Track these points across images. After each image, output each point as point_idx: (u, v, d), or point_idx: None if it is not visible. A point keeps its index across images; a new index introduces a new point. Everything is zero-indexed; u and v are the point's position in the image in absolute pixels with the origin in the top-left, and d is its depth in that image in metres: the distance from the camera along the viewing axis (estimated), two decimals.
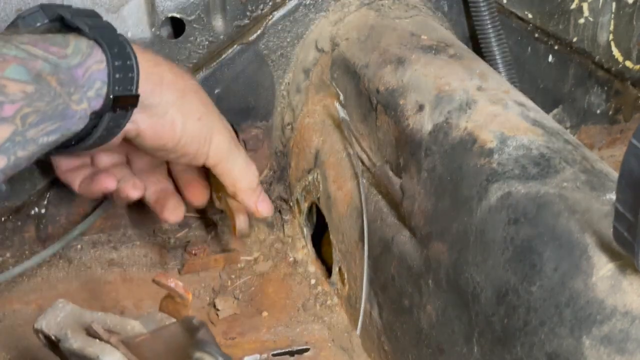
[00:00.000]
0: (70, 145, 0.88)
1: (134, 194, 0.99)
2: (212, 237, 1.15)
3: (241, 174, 1.01)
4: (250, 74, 1.13)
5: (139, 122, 0.90)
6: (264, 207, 1.04)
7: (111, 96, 0.84)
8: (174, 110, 0.92)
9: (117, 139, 0.90)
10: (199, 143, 0.96)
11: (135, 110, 0.88)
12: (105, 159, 1.01)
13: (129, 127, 0.90)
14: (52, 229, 1.13)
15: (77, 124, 0.83)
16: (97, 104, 0.84)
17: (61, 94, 0.80)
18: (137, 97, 0.87)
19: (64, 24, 0.86)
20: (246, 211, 1.04)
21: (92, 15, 0.90)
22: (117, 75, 0.84)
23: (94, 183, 0.97)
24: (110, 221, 1.16)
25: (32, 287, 1.07)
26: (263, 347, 0.99)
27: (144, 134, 0.91)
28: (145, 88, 0.88)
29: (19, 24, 0.87)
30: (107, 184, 0.96)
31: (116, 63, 0.84)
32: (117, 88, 0.84)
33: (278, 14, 1.11)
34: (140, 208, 1.16)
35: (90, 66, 0.82)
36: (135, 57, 0.86)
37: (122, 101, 0.85)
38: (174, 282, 0.79)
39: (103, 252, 1.13)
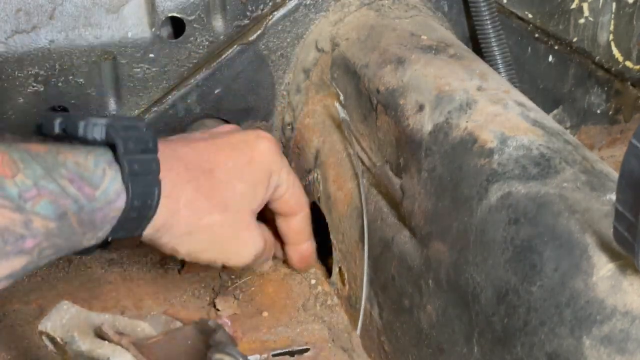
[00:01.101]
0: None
1: None
2: None
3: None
4: (251, 74, 1.13)
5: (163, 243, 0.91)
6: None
7: (109, 239, 0.85)
8: (197, 231, 0.92)
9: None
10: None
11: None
12: None
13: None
14: None
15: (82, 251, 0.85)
16: (103, 236, 0.84)
17: (78, 232, 0.81)
18: (158, 202, 0.86)
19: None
20: None
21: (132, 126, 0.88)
22: (128, 224, 0.85)
23: None
24: None
25: (32, 287, 1.07)
26: (263, 347, 0.99)
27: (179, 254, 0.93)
28: (157, 223, 0.87)
29: (42, 123, 0.87)
30: None
31: (132, 215, 0.84)
32: (121, 232, 0.85)
33: (278, 14, 1.11)
34: None
35: (109, 214, 0.83)
36: (158, 199, 0.85)
37: (143, 211, 0.86)
38: (223, 321, 0.80)
39: (103, 252, 1.13)
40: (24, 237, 0.77)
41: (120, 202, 0.83)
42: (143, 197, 0.85)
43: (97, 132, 0.83)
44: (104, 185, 0.82)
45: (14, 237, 0.76)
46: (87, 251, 0.86)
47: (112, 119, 0.84)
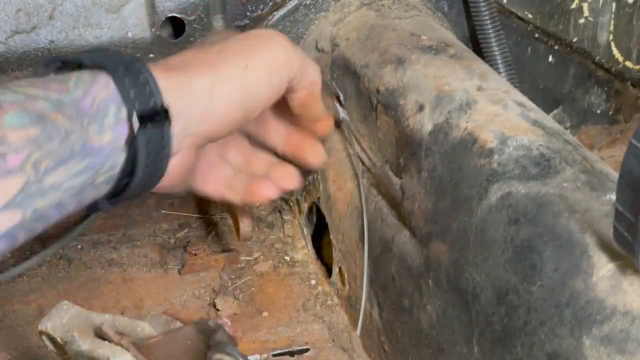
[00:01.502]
0: (122, 190, 0.76)
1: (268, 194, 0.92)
2: (212, 237, 1.15)
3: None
4: None
5: (190, 128, 0.78)
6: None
7: (135, 113, 0.73)
8: (218, 90, 0.80)
9: (183, 160, 0.79)
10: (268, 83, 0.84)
11: (179, 123, 0.77)
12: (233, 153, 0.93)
13: (186, 141, 0.78)
14: (52, 229, 1.13)
15: (111, 158, 0.73)
16: (123, 130, 0.73)
17: (73, 130, 0.71)
18: (165, 110, 0.75)
19: (65, 65, 0.78)
20: (250, 214, 1.03)
21: (96, 51, 0.83)
22: (132, 93, 0.74)
23: (252, 193, 0.91)
24: (110, 221, 1.16)
25: (32, 287, 1.07)
26: (263, 347, 0.99)
27: (204, 133, 0.80)
28: (172, 94, 0.76)
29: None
30: (268, 192, 0.91)
31: (126, 81, 0.74)
32: (137, 103, 0.73)
33: (278, 15, 1.11)
34: (140, 207, 1.16)
35: (97, 93, 0.73)
36: (148, 70, 0.75)
37: (151, 117, 0.74)
38: (223, 321, 0.79)
39: (103, 252, 1.13)
40: (4, 155, 0.67)
41: (103, 78, 0.73)
42: (125, 65, 0.74)
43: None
44: (74, 77, 0.73)
45: None
46: (131, 183, 0.75)
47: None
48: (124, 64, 0.75)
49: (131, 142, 0.73)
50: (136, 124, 0.73)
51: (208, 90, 0.79)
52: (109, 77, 0.73)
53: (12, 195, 0.67)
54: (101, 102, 0.72)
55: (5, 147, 0.66)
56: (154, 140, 0.74)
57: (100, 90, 0.73)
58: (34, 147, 0.68)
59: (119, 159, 0.73)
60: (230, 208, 1.06)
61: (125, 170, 0.74)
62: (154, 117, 0.74)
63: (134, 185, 0.75)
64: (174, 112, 0.75)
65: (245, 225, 1.03)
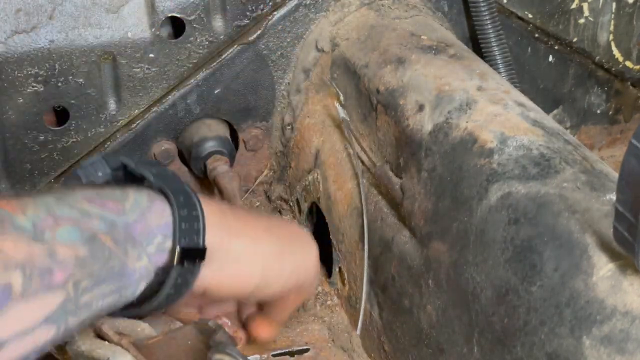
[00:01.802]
0: (134, 305, 0.77)
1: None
2: None
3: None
4: (251, 74, 1.13)
5: (207, 278, 0.79)
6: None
7: (178, 248, 0.74)
8: (247, 258, 0.82)
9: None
10: (283, 281, 0.85)
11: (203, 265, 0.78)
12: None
13: (196, 284, 0.79)
14: None
15: (137, 284, 0.74)
16: (161, 259, 0.75)
17: (117, 252, 0.72)
18: (204, 250, 0.76)
19: (127, 172, 0.79)
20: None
21: (155, 164, 0.83)
22: (183, 226, 0.75)
23: None
24: None
25: None
26: (263, 347, 0.98)
27: (213, 289, 0.80)
28: (212, 240, 0.77)
29: (79, 175, 0.79)
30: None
31: (182, 213, 0.75)
32: (183, 239, 0.75)
33: (278, 14, 1.11)
34: None
35: (151, 220, 0.74)
36: (201, 207, 0.76)
37: (189, 254, 0.75)
38: (223, 322, 0.78)
39: None
40: (51, 270, 0.67)
41: (160, 205, 0.74)
42: (184, 195, 0.76)
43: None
44: (132, 197, 0.74)
45: (39, 271, 0.66)
46: (153, 299, 0.76)
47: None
48: (184, 194, 0.76)
49: (164, 272, 0.74)
50: (177, 258, 0.74)
51: (240, 256, 0.80)
52: (167, 206, 0.75)
53: (52, 310, 0.67)
54: (151, 230, 0.74)
55: (53, 262, 0.67)
56: (182, 277, 0.75)
57: (154, 218, 0.74)
58: (79, 266, 0.69)
59: (142, 285, 0.74)
60: (230, 204, 1.05)
61: (143, 295, 0.75)
62: (193, 255, 0.75)
63: (143, 308, 0.77)
64: (208, 256, 0.77)
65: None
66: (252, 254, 0.82)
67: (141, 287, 0.74)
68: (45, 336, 0.68)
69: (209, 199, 0.80)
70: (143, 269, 0.74)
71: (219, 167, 1.10)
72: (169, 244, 0.74)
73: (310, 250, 0.87)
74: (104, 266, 0.71)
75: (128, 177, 0.78)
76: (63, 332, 0.69)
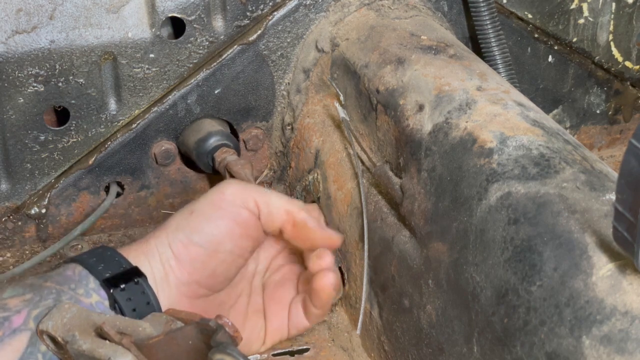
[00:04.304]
0: None
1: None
2: None
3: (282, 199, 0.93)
4: (251, 74, 1.13)
5: (172, 282, 0.88)
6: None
7: (101, 280, 0.84)
8: (172, 238, 0.89)
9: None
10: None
11: (156, 275, 0.87)
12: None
13: (175, 292, 0.88)
14: (52, 229, 1.13)
15: (104, 311, 0.83)
16: (104, 294, 0.83)
17: (64, 290, 0.81)
18: (133, 269, 0.85)
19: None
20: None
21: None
22: (101, 266, 0.84)
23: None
24: (110, 221, 1.16)
25: None
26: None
27: (188, 282, 0.88)
28: (137, 258, 0.87)
29: None
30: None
31: (91, 261, 0.85)
32: (106, 274, 0.84)
33: (278, 14, 1.12)
34: (140, 207, 1.16)
35: (75, 269, 0.84)
36: (112, 248, 0.87)
37: (122, 279, 0.84)
38: (224, 321, 0.78)
39: None
40: (9, 317, 0.78)
41: (72, 265, 0.84)
42: (97, 254, 0.87)
43: None
44: (60, 268, 0.85)
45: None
46: None
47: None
48: (88, 252, 0.87)
49: (114, 302, 0.83)
50: (111, 287, 0.84)
51: (165, 243, 0.88)
52: (75, 264, 0.85)
53: (23, 349, 0.78)
54: (80, 273, 0.84)
55: (7, 312, 0.78)
56: (135, 296, 0.84)
57: (76, 268, 0.85)
58: (31, 306, 0.79)
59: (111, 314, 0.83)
60: None
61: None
62: (127, 277, 0.84)
63: None
64: (144, 269, 0.86)
65: None
66: (172, 234, 0.89)
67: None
68: None
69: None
70: (101, 302, 0.83)
71: (228, 156, 1.09)
72: (98, 281, 0.84)
73: (224, 184, 0.92)
74: (57, 301, 0.80)
75: None
76: (45, 358, 0.79)
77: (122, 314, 0.83)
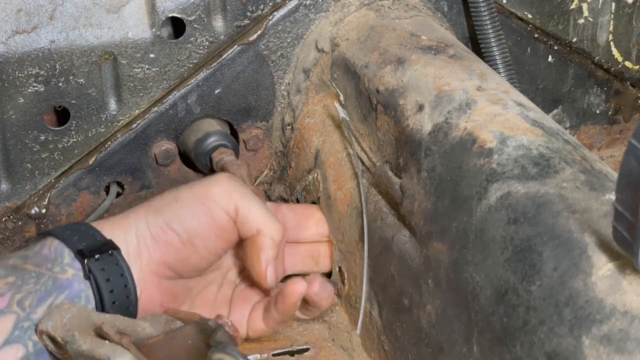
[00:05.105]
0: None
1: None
2: None
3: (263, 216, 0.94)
4: (251, 74, 1.13)
5: (144, 259, 0.90)
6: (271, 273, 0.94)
7: (75, 251, 0.86)
8: (152, 219, 0.91)
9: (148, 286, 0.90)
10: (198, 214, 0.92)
11: (129, 249, 0.89)
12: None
13: (146, 269, 0.90)
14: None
15: (81, 289, 0.86)
16: (79, 266, 0.86)
17: (42, 272, 0.84)
18: (108, 241, 0.88)
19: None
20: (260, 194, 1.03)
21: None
22: (75, 238, 0.87)
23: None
24: None
25: None
26: (263, 347, 0.99)
27: (159, 261, 0.91)
28: (112, 231, 0.89)
29: None
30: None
31: (66, 232, 0.88)
32: (81, 245, 0.87)
33: (278, 15, 1.12)
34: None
35: (52, 244, 0.87)
36: (86, 223, 0.90)
37: (97, 250, 0.87)
38: (223, 321, 0.79)
39: None
40: None
41: (49, 239, 0.87)
42: (72, 228, 0.89)
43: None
44: (31, 243, 0.88)
45: None
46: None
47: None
48: (64, 226, 0.90)
49: (88, 272, 0.86)
50: (85, 257, 0.86)
51: (144, 222, 0.90)
52: (52, 237, 0.88)
53: (8, 331, 0.80)
54: (56, 248, 0.87)
55: None
56: (109, 267, 0.86)
57: (53, 242, 0.87)
58: (14, 289, 0.82)
59: (88, 289, 0.86)
60: None
61: (97, 296, 0.86)
62: (101, 249, 0.87)
63: (110, 309, 0.86)
64: (119, 242, 0.88)
65: None
66: (152, 214, 0.91)
67: (88, 292, 0.86)
68: (14, 356, 0.80)
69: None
70: (76, 276, 0.85)
71: (225, 157, 1.09)
72: (73, 252, 0.86)
73: (214, 179, 0.95)
74: (38, 284, 0.83)
75: None
76: (35, 349, 0.81)
77: (97, 284, 0.85)
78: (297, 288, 0.92)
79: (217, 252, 0.94)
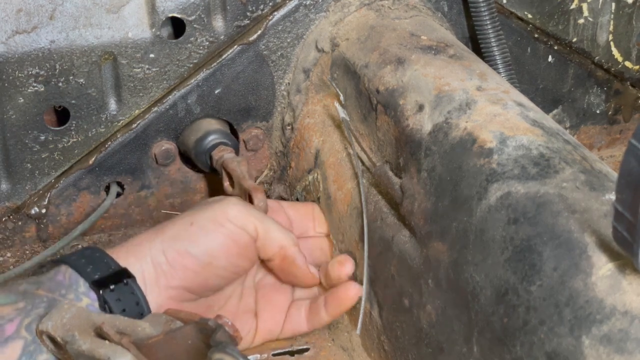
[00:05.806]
0: None
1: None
2: None
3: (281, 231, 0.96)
4: (251, 74, 1.13)
5: (162, 284, 0.90)
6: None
7: (90, 282, 0.86)
8: (168, 246, 0.91)
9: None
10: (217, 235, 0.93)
11: (145, 277, 0.89)
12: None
13: (164, 294, 0.89)
14: (52, 229, 1.13)
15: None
16: (94, 296, 0.86)
17: (55, 298, 0.84)
18: (122, 270, 0.87)
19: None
20: (263, 190, 1.03)
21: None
22: (90, 268, 0.86)
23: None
24: (111, 221, 1.16)
25: None
26: (263, 347, 0.99)
27: (178, 286, 0.91)
28: (127, 260, 0.89)
29: None
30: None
31: (81, 262, 0.87)
32: (95, 275, 0.86)
33: (278, 15, 1.12)
34: (140, 207, 1.16)
35: (66, 271, 0.86)
36: (100, 249, 0.89)
37: (112, 280, 0.86)
38: (223, 321, 0.79)
39: None
40: (1, 326, 0.80)
41: (63, 268, 0.86)
42: (78, 254, 0.88)
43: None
44: (45, 271, 0.87)
45: None
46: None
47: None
48: (77, 253, 0.89)
49: (104, 302, 0.85)
50: (100, 288, 0.85)
51: (159, 248, 0.90)
52: (66, 266, 0.87)
53: (17, 358, 0.80)
54: (71, 276, 0.86)
55: (1, 320, 0.80)
56: (124, 297, 0.86)
57: (67, 270, 0.86)
58: (23, 315, 0.81)
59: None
60: (240, 187, 1.04)
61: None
62: (116, 278, 0.86)
63: None
64: (134, 270, 0.87)
65: (259, 200, 1.01)
66: (168, 240, 0.91)
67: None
68: None
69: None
70: (91, 305, 0.84)
71: (225, 154, 1.09)
72: (88, 282, 0.86)
73: (227, 201, 0.96)
74: (49, 309, 0.81)
75: None
76: None
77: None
78: (353, 291, 0.95)
79: (238, 271, 0.95)
